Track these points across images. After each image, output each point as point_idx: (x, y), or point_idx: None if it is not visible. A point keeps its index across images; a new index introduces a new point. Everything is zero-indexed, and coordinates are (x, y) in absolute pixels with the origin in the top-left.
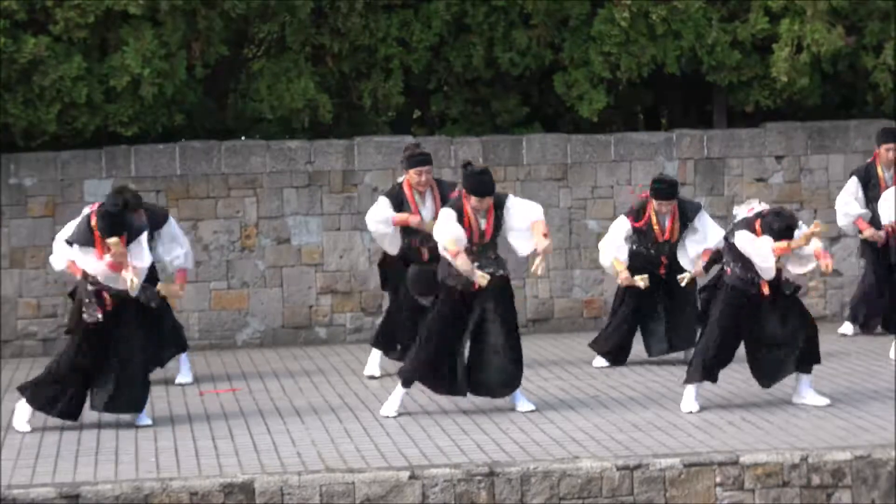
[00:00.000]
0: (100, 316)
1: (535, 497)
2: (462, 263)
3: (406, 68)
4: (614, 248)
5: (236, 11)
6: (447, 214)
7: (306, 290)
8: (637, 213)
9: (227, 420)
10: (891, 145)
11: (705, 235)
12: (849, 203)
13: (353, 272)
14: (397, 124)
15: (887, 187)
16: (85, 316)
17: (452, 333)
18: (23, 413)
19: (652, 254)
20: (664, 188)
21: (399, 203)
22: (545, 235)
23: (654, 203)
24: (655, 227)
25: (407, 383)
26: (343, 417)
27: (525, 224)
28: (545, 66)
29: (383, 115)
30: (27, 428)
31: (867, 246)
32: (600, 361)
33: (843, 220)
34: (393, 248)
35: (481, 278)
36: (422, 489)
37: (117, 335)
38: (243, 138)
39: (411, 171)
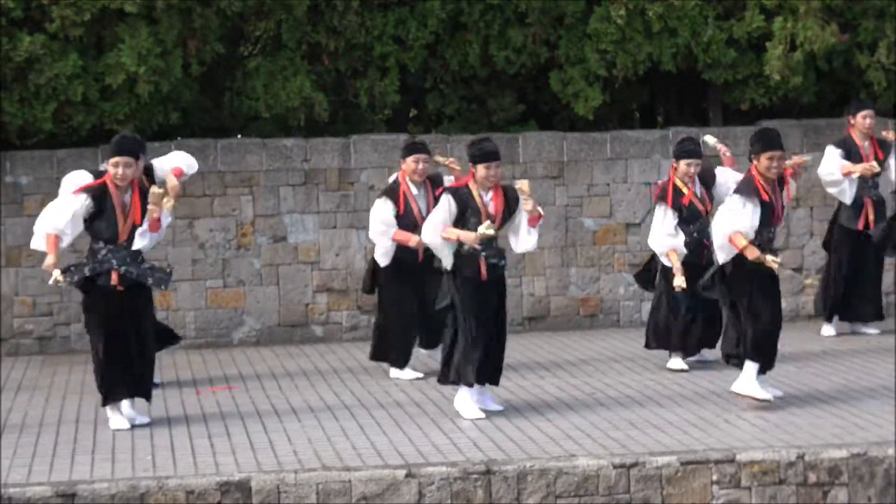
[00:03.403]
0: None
1: (532, 495)
2: (464, 236)
3: (402, 66)
4: (667, 237)
5: (232, 9)
6: (444, 203)
7: (302, 289)
8: (673, 194)
9: (223, 418)
10: (868, 112)
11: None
12: (833, 172)
13: (349, 270)
14: (393, 122)
15: (867, 157)
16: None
17: (483, 322)
18: (113, 417)
19: (695, 237)
20: (690, 145)
21: (396, 199)
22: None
23: (679, 167)
24: (694, 198)
25: (470, 383)
26: (339, 416)
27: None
28: (541, 64)
29: (379, 113)
30: (126, 424)
31: (844, 235)
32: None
33: (833, 188)
34: (385, 259)
35: (488, 228)
36: (418, 487)
37: (134, 321)
38: (239, 136)
39: (409, 160)
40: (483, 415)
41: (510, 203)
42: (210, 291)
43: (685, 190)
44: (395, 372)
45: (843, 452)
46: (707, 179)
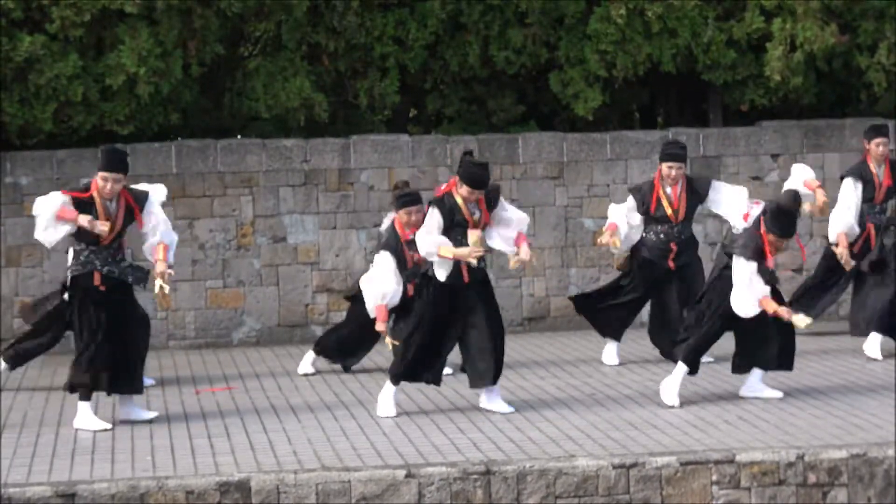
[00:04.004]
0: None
1: (531, 496)
2: (459, 253)
3: (402, 67)
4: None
5: (232, 10)
6: (432, 216)
7: (302, 289)
8: (643, 195)
9: (223, 418)
10: (881, 140)
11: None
12: (844, 215)
13: (348, 271)
14: (393, 123)
15: (881, 184)
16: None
17: (442, 328)
18: (85, 414)
19: (662, 238)
20: (673, 149)
21: (400, 253)
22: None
23: (662, 169)
24: (664, 201)
25: (397, 381)
26: (339, 416)
27: (510, 234)
28: (541, 65)
29: (379, 113)
30: (103, 425)
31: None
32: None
33: (833, 235)
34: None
35: (475, 252)
36: (418, 488)
37: (118, 317)
38: (239, 137)
39: (401, 212)
40: (394, 413)
41: (491, 206)
42: (210, 292)
43: (663, 193)
44: (307, 362)
45: (842, 453)
46: (699, 188)
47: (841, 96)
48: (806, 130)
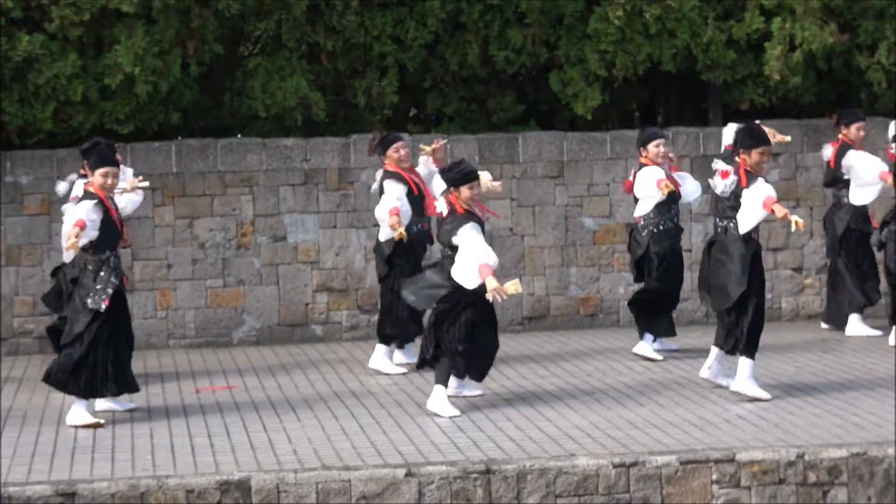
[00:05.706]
0: (104, 306)
1: (531, 495)
2: (502, 289)
3: (401, 66)
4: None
5: (230, 10)
6: (473, 232)
7: (302, 288)
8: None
9: (223, 417)
10: (861, 124)
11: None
12: (871, 171)
13: (349, 270)
14: (393, 122)
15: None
16: (90, 302)
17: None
18: (80, 413)
19: (676, 221)
20: (651, 129)
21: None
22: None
23: (650, 151)
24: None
25: (445, 383)
26: (339, 415)
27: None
28: (541, 64)
29: (378, 113)
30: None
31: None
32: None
33: (866, 188)
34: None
35: (513, 286)
36: (418, 487)
37: (121, 317)
38: (239, 136)
39: (390, 151)
40: (457, 412)
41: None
42: (210, 291)
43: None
44: (379, 359)
45: (842, 452)
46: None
47: (841, 95)
48: (806, 129)
